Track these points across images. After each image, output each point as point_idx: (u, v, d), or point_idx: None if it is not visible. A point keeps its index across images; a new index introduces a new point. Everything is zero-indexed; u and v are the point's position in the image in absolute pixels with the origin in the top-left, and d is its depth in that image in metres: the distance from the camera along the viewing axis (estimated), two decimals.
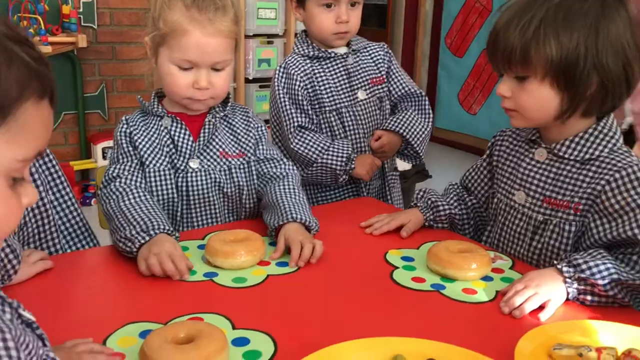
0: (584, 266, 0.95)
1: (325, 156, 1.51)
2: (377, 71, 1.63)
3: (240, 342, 0.83)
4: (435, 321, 0.91)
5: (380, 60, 1.64)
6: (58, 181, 1.20)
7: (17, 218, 0.57)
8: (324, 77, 1.55)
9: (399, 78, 1.65)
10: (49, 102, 0.57)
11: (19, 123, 0.53)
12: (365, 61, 1.62)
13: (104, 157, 3.50)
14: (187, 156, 1.26)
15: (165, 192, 1.25)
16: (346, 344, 0.78)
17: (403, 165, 1.91)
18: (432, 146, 4.56)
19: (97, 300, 0.98)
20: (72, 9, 3.25)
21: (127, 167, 1.23)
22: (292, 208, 1.19)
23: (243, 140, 1.32)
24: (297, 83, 1.54)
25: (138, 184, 1.21)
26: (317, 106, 1.56)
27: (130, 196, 1.17)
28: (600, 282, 0.93)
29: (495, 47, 1.05)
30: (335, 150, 1.51)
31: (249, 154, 1.31)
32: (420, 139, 1.60)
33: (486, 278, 1.04)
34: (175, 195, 1.25)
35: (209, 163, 1.27)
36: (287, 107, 1.54)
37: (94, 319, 0.89)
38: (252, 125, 1.34)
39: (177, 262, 1.01)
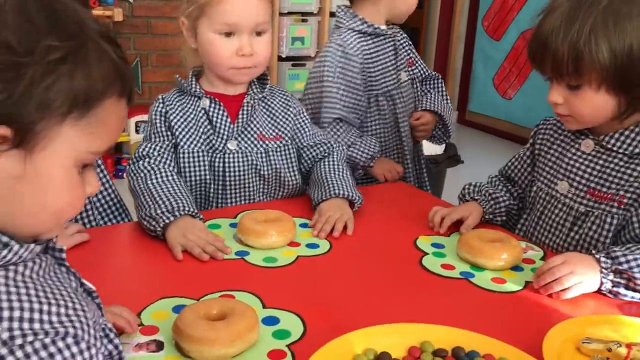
0: (622, 259, 0.94)
1: (351, 149, 1.50)
2: (408, 52, 1.65)
3: (270, 321, 0.84)
4: (463, 309, 0.92)
5: (407, 43, 1.66)
6: (99, 169, 1.21)
7: (81, 205, 0.60)
8: (375, 57, 1.55)
9: (420, 61, 1.69)
10: (126, 101, 0.60)
11: (99, 118, 0.56)
12: (405, 41, 1.64)
13: (137, 131, 3.55)
14: (225, 137, 1.26)
15: (198, 174, 1.26)
16: (374, 328, 0.79)
17: (434, 149, 1.91)
18: (465, 130, 4.52)
19: (131, 274, 1.01)
20: None
21: (157, 147, 1.24)
22: (335, 184, 1.23)
23: (281, 123, 1.32)
24: (356, 65, 1.51)
25: (167, 164, 1.22)
26: (367, 89, 1.55)
27: (158, 175, 1.18)
28: (637, 276, 0.92)
29: (543, 56, 1.03)
30: (363, 146, 1.51)
31: (287, 137, 1.31)
32: (451, 118, 1.65)
33: (516, 268, 1.04)
34: (209, 177, 1.26)
35: (246, 145, 1.27)
36: (335, 92, 1.51)
37: (128, 292, 0.92)
38: (291, 109, 1.33)
39: (215, 244, 1.04)
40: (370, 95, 1.55)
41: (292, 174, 1.31)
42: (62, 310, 0.53)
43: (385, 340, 0.78)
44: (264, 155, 1.28)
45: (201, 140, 1.26)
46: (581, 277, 0.94)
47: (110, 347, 0.61)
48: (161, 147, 1.24)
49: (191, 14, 1.21)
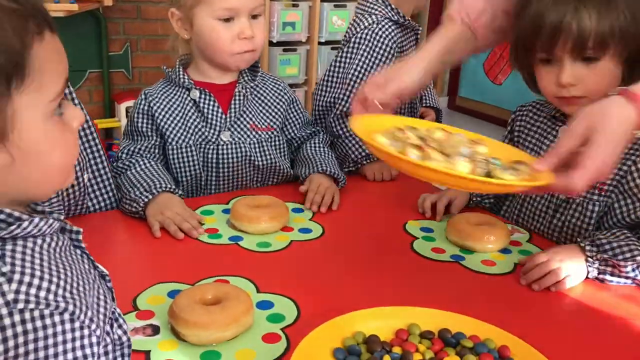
0: (607, 246, 0.95)
1: (350, 140, 1.44)
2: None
3: (264, 305, 0.86)
4: (455, 292, 0.94)
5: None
6: (97, 154, 1.18)
7: (77, 146, 0.59)
8: (404, 50, 1.48)
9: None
10: (49, 31, 0.55)
11: (37, 68, 0.53)
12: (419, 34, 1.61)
13: (127, 116, 3.53)
14: (217, 129, 1.26)
15: (191, 167, 1.26)
16: (362, 312, 0.81)
17: None
18: (455, 115, 4.53)
19: (126, 259, 1.02)
20: None
21: (139, 147, 1.25)
22: (322, 162, 1.28)
23: (273, 112, 1.32)
24: (388, 57, 1.42)
25: (149, 157, 1.24)
26: None
27: (137, 166, 1.21)
28: (622, 263, 0.94)
29: (557, 32, 0.97)
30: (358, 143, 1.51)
31: (277, 127, 1.32)
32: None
33: (504, 250, 1.06)
34: (202, 169, 1.27)
35: (239, 135, 1.27)
36: (356, 84, 1.41)
37: (124, 277, 0.92)
38: (283, 98, 1.34)
39: (190, 221, 1.07)
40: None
41: (285, 163, 1.33)
42: (68, 287, 0.54)
43: (374, 324, 0.79)
44: (257, 145, 1.29)
45: (192, 133, 1.26)
46: (568, 269, 0.95)
47: (119, 332, 0.62)
48: (146, 147, 1.25)
49: (185, 3, 1.21)
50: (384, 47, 1.41)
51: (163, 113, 1.26)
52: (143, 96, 1.28)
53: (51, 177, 0.57)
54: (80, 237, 0.62)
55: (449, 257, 1.04)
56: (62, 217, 0.59)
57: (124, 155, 1.25)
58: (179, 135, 1.25)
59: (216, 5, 1.18)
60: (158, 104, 1.26)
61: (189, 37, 1.24)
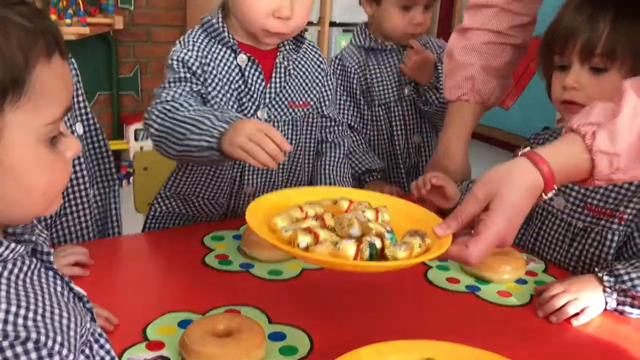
0: (625, 277, 0.93)
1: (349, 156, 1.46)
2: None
3: (276, 336, 0.84)
4: (471, 323, 0.92)
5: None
6: (107, 165, 1.15)
7: (66, 176, 0.58)
8: (377, 70, 1.55)
9: (436, 85, 1.64)
10: (59, 55, 0.55)
11: (37, 88, 0.52)
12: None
13: (136, 139, 3.54)
14: (257, 103, 1.13)
15: None
16: (377, 346, 0.78)
17: None
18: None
19: (134, 288, 1.00)
20: None
21: (181, 91, 1.07)
22: (338, 184, 1.22)
23: (311, 86, 1.21)
24: (352, 75, 1.53)
25: (196, 100, 1.06)
26: (368, 98, 1.55)
27: (191, 107, 1.02)
28: None
29: (571, 35, 1.01)
30: (361, 159, 1.50)
31: (314, 103, 1.21)
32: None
33: (520, 281, 1.04)
34: None
35: (275, 113, 1.15)
36: (341, 101, 1.53)
37: (132, 307, 0.91)
38: (321, 71, 1.24)
39: (276, 139, 0.92)
40: (370, 105, 1.54)
41: (311, 148, 1.24)
42: (30, 314, 0.51)
43: (392, 357, 0.77)
44: (291, 125, 1.18)
45: (231, 103, 1.11)
46: (586, 301, 0.93)
47: (102, 352, 0.60)
48: (185, 90, 1.07)
49: None
50: (346, 71, 1.53)
51: (209, 70, 1.10)
52: (182, 44, 1.11)
53: (31, 201, 0.55)
54: (52, 258, 0.59)
55: (464, 287, 1.02)
56: (34, 238, 0.57)
57: (161, 102, 1.05)
58: (221, 101, 1.10)
59: None
60: (201, 58, 1.09)
61: None
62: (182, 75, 1.09)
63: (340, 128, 1.32)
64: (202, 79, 1.09)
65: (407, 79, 1.57)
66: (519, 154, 0.83)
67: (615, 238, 1.04)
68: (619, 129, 0.79)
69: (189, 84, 1.08)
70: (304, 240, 0.78)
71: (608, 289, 0.94)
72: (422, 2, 1.46)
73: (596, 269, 0.98)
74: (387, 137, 1.57)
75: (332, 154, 1.30)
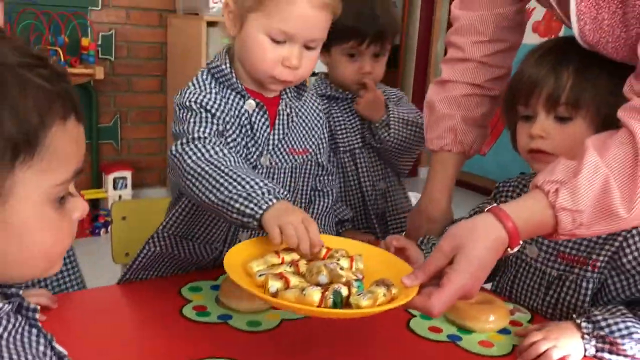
0: (603, 323, 0.93)
1: None
2: None
3: None
4: None
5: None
6: None
7: (71, 237, 0.57)
8: (340, 118, 1.54)
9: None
10: (75, 118, 0.55)
11: (50, 150, 0.52)
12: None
13: (115, 188, 3.52)
14: (260, 149, 1.14)
15: None
16: None
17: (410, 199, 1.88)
18: None
19: (111, 341, 0.97)
20: (91, 42, 3.32)
21: (209, 131, 1.06)
22: None
23: (310, 134, 1.22)
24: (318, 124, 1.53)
25: (232, 148, 1.06)
26: (332, 146, 1.56)
27: (232, 157, 1.02)
28: (620, 340, 0.92)
29: (536, 85, 1.03)
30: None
31: (312, 150, 1.22)
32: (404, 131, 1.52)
33: (504, 331, 1.03)
34: None
35: (277, 160, 1.16)
36: None
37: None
38: (320, 118, 1.24)
39: (313, 236, 0.91)
40: (335, 152, 1.54)
41: (305, 198, 1.24)
42: None
43: None
44: (290, 172, 1.19)
45: (239, 148, 1.12)
46: (566, 348, 0.92)
47: None
48: (214, 130, 1.07)
49: (244, 2, 1.07)
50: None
51: (221, 112, 1.09)
52: (196, 87, 1.11)
53: (32, 261, 0.54)
54: (37, 315, 0.58)
55: (446, 336, 1.01)
56: (21, 292, 0.56)
57: (194, 140, 1.03)
58: (234, 144, 1.11)
59: (274, 22, 1.05)
60: (213, 101, 1.09)
61: (234, 35, 1.12)
62: (203, 115, 1.09)
63: (330, 177, 1.33)
64: (221, 120, 1.10)
65: (366, 124, 1.58)
66: (485, 209, 0.85)
67: (590, 285, 1.04)
68: (581, 187, 0.81)
69: (215, 125, 1.08)
70: (274, 285, 0.81)
71: (586, 336, 0.94)
72: (368, 51, 1.45)
73: (574, 316, 0.98)
74: (355, 183, 1.57)
75: (321, 203, 1.30)
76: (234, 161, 1.02)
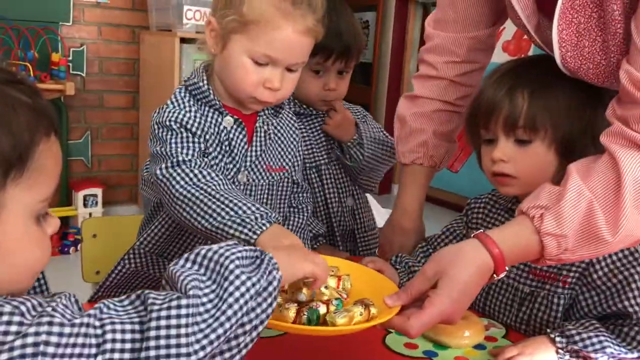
0: (576, 337, 0.94)
1: None
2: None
3: None
4: None
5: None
6: None
7: (49, 254, 0.58)
8: (304, 134, 1.53)
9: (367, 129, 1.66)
10: (54, 135, 0.56)
11: (36, 166, 0.53)
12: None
13: (85, 205, 3.46)
14: (238, 166, 1.13)
15: None
16: None
17: (383, 215, 1.88)
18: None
19: None
20: (62, 57, 3.28)
21: (194, 152, 1.05)
22: None
23: (287, 152, 1.22)
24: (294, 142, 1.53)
25: (219, 172, 1.06)
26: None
27: (220, 181, 1.02)
28: (593, 355, 0.93)
29: (494, 110, 1.04)
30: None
31: (288, 168, 1.22)
32: (373, 147, 1.53)
33: (479, 346, 1.03)
34: None
35: (254, 177, 1.15)
36: None
37: None
38: (296, 137, 1.25)
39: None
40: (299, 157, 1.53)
41: (280, 215, 1.23)
42: None
43: None
44: (265, 188, 1.18)
45: (220, 162, 1.12)
46: None
47: None
48: (197, 151, 1.06)
49: (228, 24, 1.06)
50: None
51: (199, 132, 1.09)
52: (174, 105, 1.09)
53: (17, 278, 0.54)
54: None
55: (422, 352, 1.00)
56: None
57: (178, 164, 1.03)
58: (214, 163, 1.10)
59: (258, 46, 1.05)
60: (192, 119, 1.08)
61: (215, 54, 1.12)
62: (184, 135, 1.08)
63: (305, 195, 1.33)
64: (202, 139, 1.09)
65: (336, 142, 1.58)
66: (471, 235, 0.86)
67: (561, 302, 1.05)
68: (565, 212, 0.83)
69: (197, 145, 1.08)
70: None
71: (560, 350, 0.95)
72: (333, 68, 1.44)
73: (548, 330, 0.99)
74: (322, 199, 1.56)
75: (297, 219, 1.29)
76: (223, 184, 1.02)
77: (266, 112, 1.20)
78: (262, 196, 1.19)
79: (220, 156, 1.12)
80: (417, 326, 0.81)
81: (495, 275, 0.84)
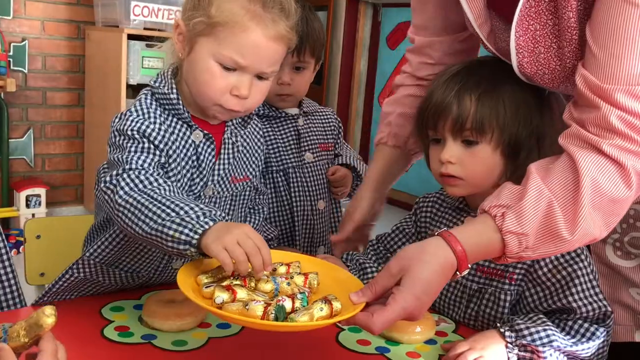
0: (525, 332, 0.97)
1: None
2: (326, 138, 1.62)
3: None
4: None
5: (330, 128, 1.64)
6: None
7: None
8: (272, 137, 1.51)
9: (346, 151, 1.66)
10: None
11: None
12: (316, 125, 1.61)
13: (28, 206, 3.35)
14: (205, 180, 1.10)
15: None
16: None
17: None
18: None
19: None
20: (1, 52, 3.16)
21: (149, 161, 1.00)
22: None
23: (252, 161, 1.20)
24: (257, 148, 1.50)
25: (170, 180, 1.00)
26: (265, 164, 1.53)
27: (167, 186, 0.96)
28: (540, 348, 0.95)
29: (442, 111, 1.05)
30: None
31: (252, 177, 1.20)
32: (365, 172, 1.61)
33: (430, 341, 1.05)
34: None
35: (219, 189, 1.12)
36: None
37: None
38: (261, 145, 1.23)
39: (264, 253, 0.86)
40: (266, 172, 1.52)
41: (240, 216, 1.21)
42: None
43: None
44: (229, 199, 1.16)
45: (185, 180, 1.08)
46: (491, 358, 0.95)
47: None
48: (154, 162, 1.01)
49: (195, 26, 1.02)
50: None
51: (164, 143, 1.04)
52: (138, 113, 1.04)
53: None
54: None
55: (374, 349, 1.01)
56: None
57: (129, 170, 0.97)
58: (179, 177, 1.06)
59: (225, 49, 1.00)
60: (157, 131, 1.04)
61: (183, 57, 1.07)
62: (145, 145, 1.03)
63: (262, 197, 1.32)
64: (164, 153, 1.05)
65: (307, 146, 1.58)
66: (435, 233, 0.87)
67: (508, 297, 1.07)
68: (526, 210, 0.85)
69: (156, 157, 1.03)
70: (221, 296, 0.82)
71: (510, 344, 0.97)
72: (286, 62, 1.41)
73: (498, 325, 1.01)
74: (287, 202, 1.55)
75: (252, 220, 1.28)
76: (170, 190, 0.96)
77: (234, 122, 1.16)
78: (224, 207, 1.17)
79: (184, 171, 1.08)
80: (379, 322, 0.82)
81: (458, 273, 0.86)
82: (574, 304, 1.00)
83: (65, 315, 1.04)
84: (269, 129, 1.52)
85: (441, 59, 1.27)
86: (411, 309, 0.83)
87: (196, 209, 0.90)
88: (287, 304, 0.83)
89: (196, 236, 0.86)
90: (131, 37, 3.23)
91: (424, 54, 1.29)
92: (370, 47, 4.83)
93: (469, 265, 0.86)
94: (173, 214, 0.89)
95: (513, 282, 1.07)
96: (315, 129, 1.61)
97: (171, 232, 0.87)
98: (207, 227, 0.86)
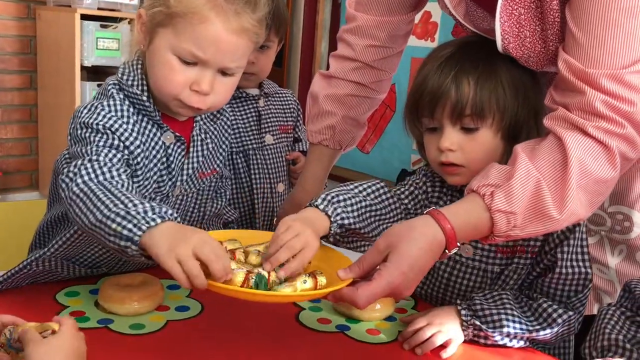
0: (480, 313, 0.97)
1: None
2: (285, 120, 1.61)
3: None
4: None
5: (290, 111, 1.63)
6: None
7: None
8: (233, 118, 1.48)
9: (305, 136, 1.62)
10: None
11: None
12: (276, 106, 1.60)
13: None
14: (174, 179, 1.07)
15: None
16: None
17: None
18: (330, 184, 4.66)
19: None
20: None
21: (114, 158, 0.95)
22: None
23: (219, 153, 1.16)
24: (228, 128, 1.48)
25: (126, 174, 0.94)
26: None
27: (127, 183, 0.91)
28: (490, 332, 0.96)
29: (439, 99, 1.00)
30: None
31: (219, 169, 1.17)
32: None
33: (390, 318, 1.06)
34: None
35: (187, 187, 1.10)
36: None
37: None
38: (229, 135, 1.20)
39: (223, 259, 0.80)
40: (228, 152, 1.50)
41: (212, 213, 1.21)
42: None
43: None
44: (196, 195, 1.14)
45: (154, 179, 1.05)
46: (449, 333, 0.96)
47: None
48: (120, 159, 0.96)
49: (155, 15, 0.97)
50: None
51: (136, 148, 1.01)
52: (106, 108, 0.99)
53: None
54: None
55: (334, 327, 1.01)
56: None
57: (86, 162, 0.92)
58: (144, 178, 1.03)
59: (184, 42, 0.95)
60: (131, 133, 1.00)
61: (144, 50, 1.02)
62: (115, 142, 0.98)
63: (225, 180, 1.30)
64: (133, 155, 1.01)
65: (268, 128, 1.56)
66: (424, 212, 0.87)
67: (524, 271, 1.03)
68: (514, 190, 0.86)
69: (125, 155, 0.98)
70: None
71: (465, 323, 0.97)
72: None
73: (458, 301, 1.01)
74: (247, 184, 1.54)
75: (214, 204, 1.25)
76: (127, 185, 0.91)
77: (203, 117, 1.12)
78: (194, 201, 1.16)
79: (152, 173, 1.04)
80: (364, 296, 0.83)
81: (447, 251, 0.87)
82: (560, 262, 0.98)
83: (19, 301, 1.02)
84: (228, 110, 1.50)
85: (387, 40, 1.25)
86: (396, 284, 0.83)
87: (146, 204, 0.83)
88: (266, 274, 0.84)
89: (139, 232, 0.79)
90: (84, 17, 3.14)
91: (369, 36, 1.25)
92: (331, 29, 4.81)
93: (458, 244, 0.86)
94: (121, 206, 0.83)
95: (534, 256, 1.02)
96: (275, 111, 1.59)
97: (114, 226, 0.80)
98: (153, 224, 0.79)
